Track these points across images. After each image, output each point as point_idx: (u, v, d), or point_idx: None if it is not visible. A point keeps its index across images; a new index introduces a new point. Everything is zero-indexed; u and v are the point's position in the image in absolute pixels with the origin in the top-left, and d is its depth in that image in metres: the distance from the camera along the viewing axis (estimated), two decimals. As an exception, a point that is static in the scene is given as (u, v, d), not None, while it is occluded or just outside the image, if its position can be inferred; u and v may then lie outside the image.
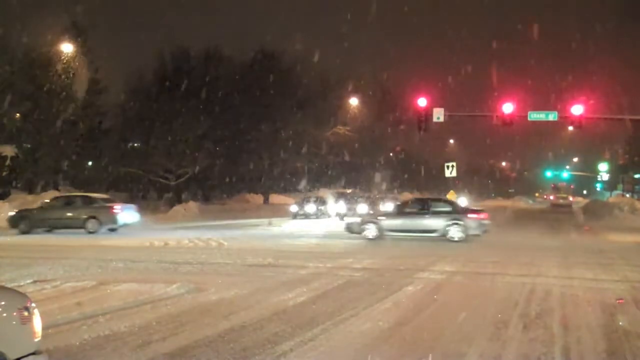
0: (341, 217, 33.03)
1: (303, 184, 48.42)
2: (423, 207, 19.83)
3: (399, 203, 24.24)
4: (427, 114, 26.48)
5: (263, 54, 45.90)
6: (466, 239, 18.44)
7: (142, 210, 33.95)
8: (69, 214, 21.32)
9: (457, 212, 19.15)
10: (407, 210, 20.15)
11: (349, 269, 12.34)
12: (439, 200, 22.33)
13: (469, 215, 19.07)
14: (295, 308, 8.21)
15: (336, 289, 9.81)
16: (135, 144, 43.15)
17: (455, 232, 18.59)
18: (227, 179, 44.94)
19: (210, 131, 40.60)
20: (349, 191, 38.65)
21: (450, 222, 18.69)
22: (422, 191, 67.63)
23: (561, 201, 67.43)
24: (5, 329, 3.76)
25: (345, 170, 54.69)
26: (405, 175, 66.17)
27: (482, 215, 19.45)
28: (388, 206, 39.38)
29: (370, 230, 19.32)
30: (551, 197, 79.88)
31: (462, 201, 54.31)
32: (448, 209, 19.51)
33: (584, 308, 8.46)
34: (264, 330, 6.90)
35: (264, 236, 20.87)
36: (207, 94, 39.37)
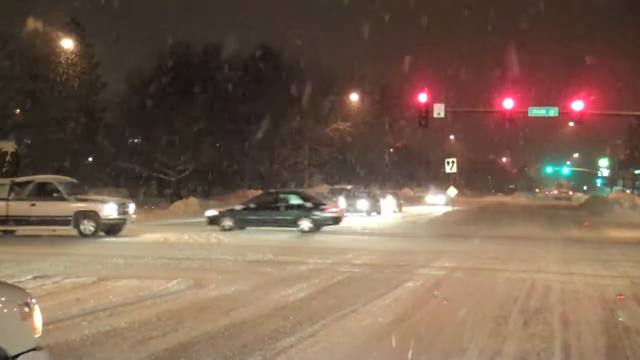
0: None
1: (303, 179, 48.40)
2: (276, 201, 21.28)
3: (254, 197, 25.46)
4: (428, 109, 26.48)
5: (263, 50, 45.84)
6: (316, 230, 20.09)
7: (142, 205, 34.02)
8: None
9: (308, 206, 20.72)
10: (262, 204, 21.51)
11: (349, 264, 12.36)
12: (294, 193, 23.32)
13: (320, 208, 20.66)
14: (295, 304, 8.21)
15: (336, 285, 9.82)
16: (136, 140, 43.12)
17: (305, 224, 20.18)
18: (227, 175, 44.91)
19: (210, 127, 40.56)
20: (348, 187, 38.55)
21: (301, 215, 20.34)
22: (422, 187, 67.67)
23: (563, 195, 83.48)
24: (5, 325, 3.76)
25: (345, 166, 54.68)
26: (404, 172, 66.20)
27: (333, 209, 21.36)
28: (388, 201, 39.54)
29: (227, 222, 20.61)
30: (555, 192, 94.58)
31: (442, 198, 54.83)
32: (300, 202, 20.98)
33: (584, 304, 8.47)
34: (264, 326, 6.90)
35: (263, 232, 20.86)
36: (207, 89, 39.33)
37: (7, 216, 18.29)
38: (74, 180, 20.67)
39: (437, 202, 54.43)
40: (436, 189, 61.22)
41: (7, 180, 19.23)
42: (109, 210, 18.53)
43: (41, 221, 18.24)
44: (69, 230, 18.21)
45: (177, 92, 38.47)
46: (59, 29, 36.52)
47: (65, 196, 18.53)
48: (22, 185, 18.90)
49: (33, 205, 18.21)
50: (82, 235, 17.97)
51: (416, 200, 56.05)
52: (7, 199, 18.29)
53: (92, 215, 18.24)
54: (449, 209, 37.64)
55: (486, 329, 6.88)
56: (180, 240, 17.35)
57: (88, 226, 18.11)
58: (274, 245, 15.91)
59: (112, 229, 18.66)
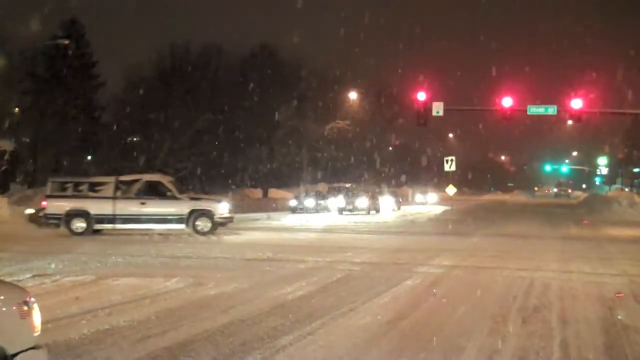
0: (340, 211, 33.04)
1: (302, 178, 48.38)
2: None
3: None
4: (427, 108, 26.46)
5: (262, 48, 45.81)
6: None
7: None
8: None
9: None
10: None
11: (348, 262, 12.36)
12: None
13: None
14: (294, 302, 8.21)
15: (335, 283, 9.82)
16: (135, 138, 43.10)
17: None
18: (226, 174, 44.87)
19: (209, 125, 40.54)
20: (348, 185, 38.59)
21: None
22: (421, 185, 67.55)
23: (562, 193, 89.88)
24: (4, 324, 3.75)
25: (344, 165, 54.63)
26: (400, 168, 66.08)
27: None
28: (387, 199, 39.55)
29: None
30: (555, 190, 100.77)
31: (432, 197, 54.25)
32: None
33: (583, 302, 8.47)
34: (263, 324, 6.90)
35: (263, 230, 20.88)
36: (206, 88, 39.32)
37: (114, 215, 18.32)
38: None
39: (425, 201, 53.67)
40: (425, 188, 60.24)
41: (112, 179, 19.26)
42: (223, 209, 19.12)
43: (153, 219, 18.50)
44: (183, 228, 18.52)
45: (176, 90, 38.46)
46: (58, 27, 36.54)
47: (178, 195, 18.86)
48: (128, 183, 19.02)
49: (143, 203, 18.35)
50: (198, 233, 18.28)
51: (414, 200, 55.91)
52: (113, 198, 18.36)
53: (208, 213, 18.67)
54: (440, 208, 37.65)
55: (485, 327, 6.88)
56: (179, 238, 17.35)
57: (204, 224, 18.47)
58: (273, 244, 15.91)
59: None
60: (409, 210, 40.64)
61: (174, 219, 18.50)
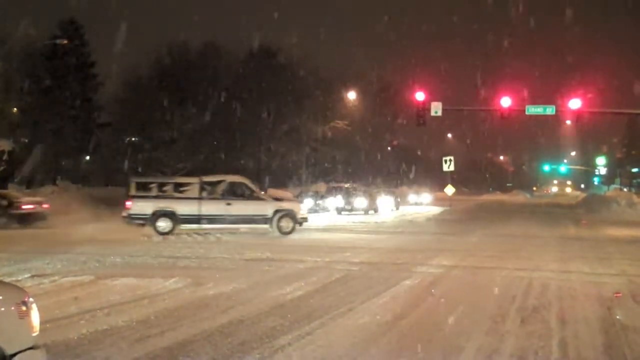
0: (339, 211, 33.02)
1: (301, 178, 48.35)
2: None
3: None
4: (425, 108, 26.49)
5: (261, 48, 45.77)
6: None
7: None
8: None
9: None
10: None
11: (347, 262, 12.36)
12: None
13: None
14: (293, 302, 8.21)
15: (334, 283, 9.82)
16: (133, 139, 43.05)
17: None
18: (225, 173, 44.80)
19: (207, 125, 40.51)
20: (346, 185, 38.56)
21: None
22: (421, 184, 67.53)
23: (560, 193, 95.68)
24: (3, 324, 3.75)
25: (343, 164, 54.62)
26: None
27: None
28: (386, 199, 39.51)
29: None
30: (553, 190, 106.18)
31: (426, 197, 53.33)
32: None
33: (582, 302, 8.48)
34: (262, 324, 6.90)
35: (261, 230, 20.87)
36: (205, 88, 39.29)
37: (199, 215, 18.62)
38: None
39: (420, 202, 52.39)
40: (419, 187, 58.83)
41: (196, 179, 19.68)
42: (303, 209, 20.09)
43: (239, 220, 18.98)
44: (267, 228, 19.08)
45: (175, 90, 38.42)
46: (57, 27, 36.51)
47: (262, 196, 19.81)
48: (212, 184, 19.35)
49: (229, 204, 18.67)
50: (282, 233, 18.82)
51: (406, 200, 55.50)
52: (199, 198, 18.72)
53: (291, 213, 19.25)
54: (438, 208, 37.62)
55: (484, 327, 6.88)
56: (178, 238, 17.34)
57: (287, 224, 19.04)
58: (272, 244, 15.91)
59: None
60: (407, 210, 40.65)
61: (259, 219, 19.09)
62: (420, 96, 26.36)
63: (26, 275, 9.90)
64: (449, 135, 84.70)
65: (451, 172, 39.53)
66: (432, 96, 27.19)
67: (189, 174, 42.10)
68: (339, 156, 52.19)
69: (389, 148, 65.97)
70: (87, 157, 42.99)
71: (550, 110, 26.30)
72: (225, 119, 42.15)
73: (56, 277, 9.74)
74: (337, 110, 48.54)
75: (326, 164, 52.11)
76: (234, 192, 19.13)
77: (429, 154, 77.30)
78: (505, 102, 25.78)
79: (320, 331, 6.61)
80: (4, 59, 33.83)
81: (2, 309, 3.79)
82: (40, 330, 4.10)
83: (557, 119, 33.45)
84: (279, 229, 18.92)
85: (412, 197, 53.19)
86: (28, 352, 3.83)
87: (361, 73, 51.99)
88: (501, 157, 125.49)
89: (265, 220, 19.02)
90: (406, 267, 11.66)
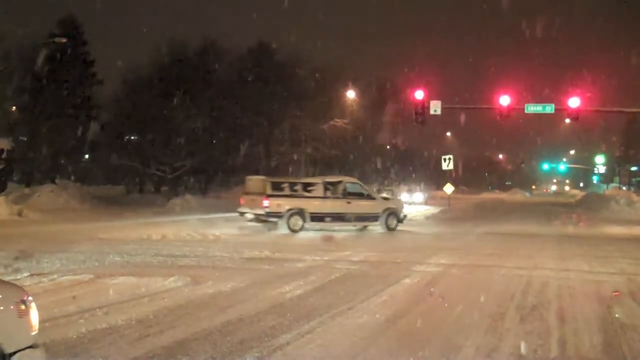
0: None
1: (300, 176, 48.32)
2: None
3: None
4: (424, 106, 26.46)
5: (260, 47, 45.73)
6: None
7: (138, 203, 33.97)
8: None
9: None
10: None
11: (346, 261, 12.36)
12: None
13: None
14: (292, 301, 8.21)
15: (333, 282, 9.82)
16: (132, 137, 43.00)
17: None
18: (225, 172, 44.82)
19: (206, 124, 40.49)
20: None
21: None
22: (420, 183, 67.51)
23: (559, 192, 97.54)
24: (2, 323, 3.75)
25: (342, 163, 54.60)
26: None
27: None
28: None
29: None
30: (552, 189, 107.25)
31: (419, 196, 52.43)
32: None
33: (581, 300, 8.49)
34: (261, 323, 6.90)
35: (261, 229, 20.85)
36: (204, 86, 39.26)
37: (322, 213, 19.51)
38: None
39: (413, 201, 50.29)
40: (411, 186, 56.79)
41: (319, 180, 20.68)
42: (404, 207, 21.92)
43: (356, 217, 20.14)
44: (377, 225, 20.44)
45: (174, 89, 38.37)
46: (56, 26, 36.46)
47: (374, 195, 21.41)
48: (333, 184, 20.30)
49: (349, 203, 19.86)
50: (389, 229, 20.30)
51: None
52: (324, 197, 19.66)
53: (396, 212, 20.83)
54: (428, 208, 37.53)
55: (483, 325, 6.89)
56: (177, 237, 17.32)
57: (392, 222, 20.53)
58: (271, 242, 15.90)
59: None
60: (407, 209, 40.58)
61: (372, 217, 20.37)
62: (419, 94, 26.31)
63: (25, 274, 9.88)
64: (448, 133, 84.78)
65: (450, 170, 39.51)
66: (432, 95, 27.16)
67: (187, 172, 42.20)
68: (338, 155, 52.17)
69: (388, 147, 65.97)
70: (86, 156, 42.95)
71: (549, 108, 26.27)
72: (224, 118, 42.13)
73: (55, 276, 9.72)
74: (336, 109, 48.53)
75: (325, 163, 52.08)
76: (351, 192, 20.21)
77: (428, 153, 77.31)
78: (505, 100, 25.76)
79: (319, 330, 6.62)
80: (2, 57, 33.80)
81: (1, 307, 3.79)
82: (39, 329, 4.10)
83: (556, 117, 33.46)
84: (387, 226, 20.31)
85: (405, 196, 52.06)
86: (27, 350, 3.83)
87: (361, 72, 52.01)
88: (500, 156, 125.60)
89: (376, 217, 20.33)
90: (405, 266, 11.67)
